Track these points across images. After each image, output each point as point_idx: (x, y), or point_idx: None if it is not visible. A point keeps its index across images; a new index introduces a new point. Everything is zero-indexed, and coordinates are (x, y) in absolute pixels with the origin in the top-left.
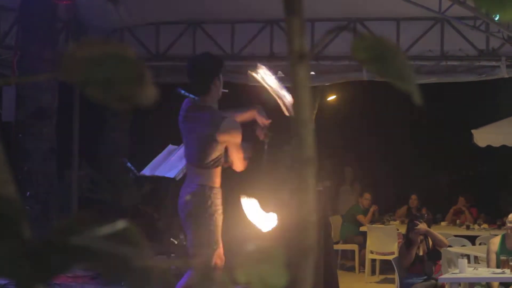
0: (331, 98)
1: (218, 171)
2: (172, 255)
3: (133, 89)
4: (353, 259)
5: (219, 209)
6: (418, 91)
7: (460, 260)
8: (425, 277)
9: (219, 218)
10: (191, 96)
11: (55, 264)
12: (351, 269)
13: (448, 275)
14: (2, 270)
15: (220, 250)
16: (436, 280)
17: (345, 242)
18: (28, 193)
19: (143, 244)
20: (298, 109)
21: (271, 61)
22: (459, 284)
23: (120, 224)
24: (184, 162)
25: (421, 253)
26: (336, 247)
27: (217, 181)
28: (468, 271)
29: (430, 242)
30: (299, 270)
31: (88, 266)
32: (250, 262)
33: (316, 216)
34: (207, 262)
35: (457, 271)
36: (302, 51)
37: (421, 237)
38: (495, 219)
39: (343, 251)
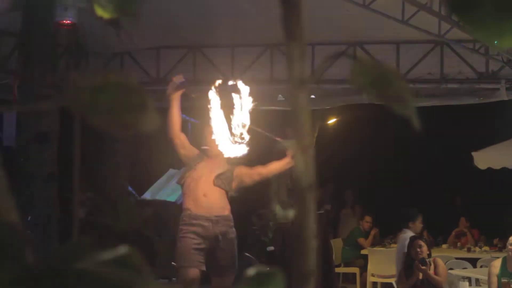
0: (332, 121)
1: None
2: (173, 279)
3: (135, 117)
4: (355, 282)
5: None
6: (416, 115)
7: (461, 283)
8: None
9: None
10: (192, 120)
11: None
12: None
13: None
14: None
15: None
16: None
17: (346, 265)
18: (29, 217)
19: (144, 270)
20: (299, 134)
21: (272, 84)
22: None
23: (122, 250)
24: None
25: (421, 277)
26: (337, 270)
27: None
28: None
29: (432, 267)
30: None
31: None
32: (250, 286)
33: (316, 241)
34: None
35: None
36: (302, 76)
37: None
38: (496, 242)
39: (344, 274)
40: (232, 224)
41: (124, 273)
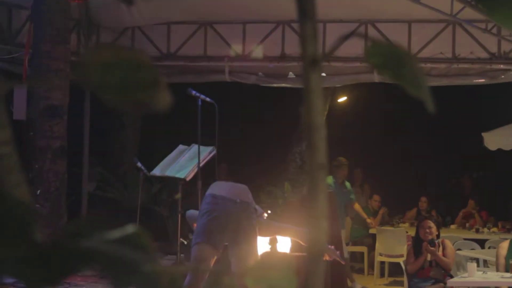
0: (342, 99)
1: None
2: (182, 255)
3: (147, 95)
4: (362, 261)
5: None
6: (430, 98)
7: (469, 263)
8: (433, 281)
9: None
10: (202, 96)
11: (64, 266)
12: (360, 271)
13: (457, 279)
14: (12, 271)
15: None
16: (445, 284)
17: (354, 244)
18: (39, 191)
19: (152, 249)
20: (311, 114)
21: (283, 61)
22: None
23: (130, 228)
24: (194, 162)
25: (429, 258)
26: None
27: None
28: (477, 275)
29: (441, 248)
30: (309, 276)
31: (97, 269)
32: (259, 268)
33: (327, 221)
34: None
35: (466, 274)
36: (315, 56)
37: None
38: (505, 223)
39: (352, 253)
40: (254, 212)
41: (132, 252)
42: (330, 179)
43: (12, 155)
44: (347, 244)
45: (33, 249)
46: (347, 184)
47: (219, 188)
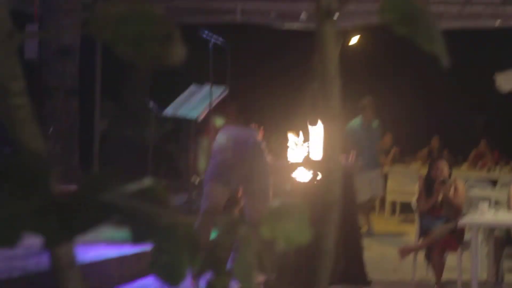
0: (354, 40)
1: None
2: (194, 193)
3: (162, 48)
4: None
5: None
6: (445, 53)
7: (480, 203)
8: (444, 219)
9: None
10: (214, 37)
11: (82, 220)
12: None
13: (468, 218)
14: (29, 225)
15: None
16: (456, 223)
17: None
18: (51, 129)
19: (169, 202)
20: (325, 65)
21: (295, 1)
22: (479, 228)
23: (147, 182)
24: (206, 102)
25: (440, 198)
26: None
27: None
28: (488, 215)
29: (452, 188)
30: (323, 224)
31: (115, 223)
32: (274, 217)
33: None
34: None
35: (477, 214)
36: (330, 7)
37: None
38: None
39: None
40: (264, 151)
41: (149, 205)
42: (357, 121)
43: (26, 106)
44: None
45: (51, 202)
46: (374, 124)
47: (230, 130)
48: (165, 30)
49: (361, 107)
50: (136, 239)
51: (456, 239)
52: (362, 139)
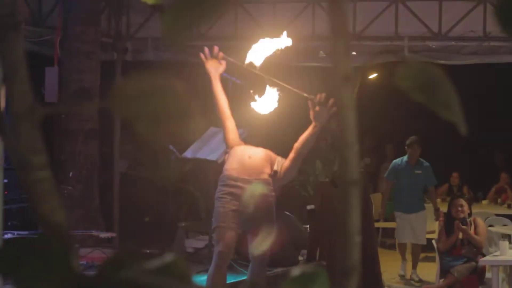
0: (372, 76)
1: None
2: (213, 235)
3: (181, 125)
4: (394, 237)
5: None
6: (464, 121)
7: (501, 242)
8: (465, 259)
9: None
10: (233, 79)
11: None
12: (392, 247)
13: (489, 257)
14: None
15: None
16: (477, 262)
17: (386, 220)
18: (71, 173)
19: (190, 277)
20: (344, 130)
21: (313, 41)
22: (500, 267)
23: (167, 257)
24: (225, 145)
25: (460, 237)
26: (377, 225)
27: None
28: (509, 254)
29: (472, 227)
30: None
31: None
32: (294, 285)
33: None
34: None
35: (498, 253)
36: (347, 72)
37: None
38: None
39: (384, 229)
40: (271, 188)
41: (170, 281)
42: (403, 158)
43: (48, 180)
44: (378, 221)
45: (74, 280)
46: (422, 163)
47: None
48: (185, 106)
49: (406, 145)
50: None
51: (477, 278)
52: (403, 177)
